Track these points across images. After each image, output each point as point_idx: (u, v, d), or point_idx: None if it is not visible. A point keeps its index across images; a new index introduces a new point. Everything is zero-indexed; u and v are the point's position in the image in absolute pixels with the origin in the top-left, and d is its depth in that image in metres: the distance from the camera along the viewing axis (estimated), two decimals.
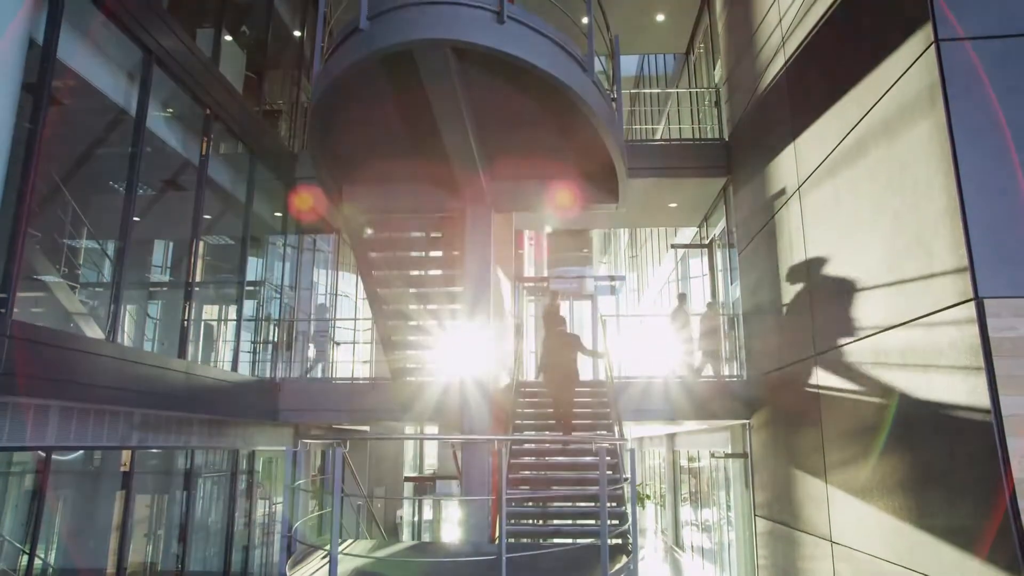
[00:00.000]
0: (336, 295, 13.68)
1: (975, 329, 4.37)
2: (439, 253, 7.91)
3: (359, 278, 14.62)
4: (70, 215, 7.58)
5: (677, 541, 18.55)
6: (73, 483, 7.39)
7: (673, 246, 13.68)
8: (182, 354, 8.11)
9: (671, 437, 18.89)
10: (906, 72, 5.11)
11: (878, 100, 5.55)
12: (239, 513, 10.20)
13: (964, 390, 4.49)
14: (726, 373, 10.51)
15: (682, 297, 11.24)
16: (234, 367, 9.57)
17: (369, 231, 7.72)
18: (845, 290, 6.33)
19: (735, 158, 10.26)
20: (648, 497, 22.30)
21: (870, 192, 5.79)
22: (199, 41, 8.70)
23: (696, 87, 13.10)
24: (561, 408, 7.87)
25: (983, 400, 4.30)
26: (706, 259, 12.52)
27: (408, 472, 16.93)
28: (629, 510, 5.86)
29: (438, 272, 8.16)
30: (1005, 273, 4.37)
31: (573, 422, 7.89)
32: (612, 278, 15.19)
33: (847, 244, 6.28)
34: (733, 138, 10.33)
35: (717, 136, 11.16)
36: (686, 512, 17.22)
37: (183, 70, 8.12)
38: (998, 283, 4.37)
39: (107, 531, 7.57)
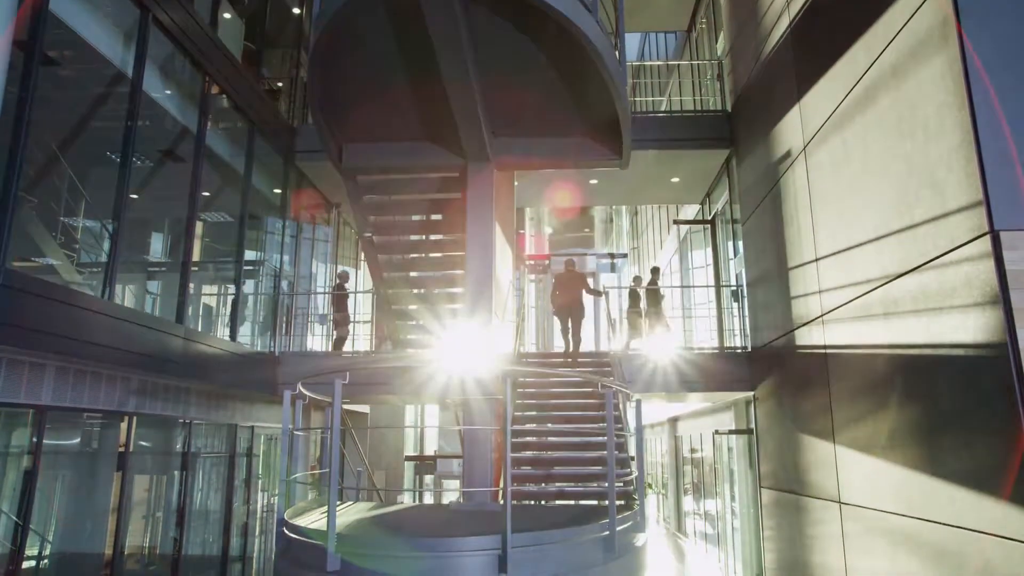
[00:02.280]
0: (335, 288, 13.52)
1: (991, 263, 4.27)
2: (439, 217, 7.81)
3: (359, 254, 14.53)
4: (65, 181, 7.46)
5: (680, 528, 18.45)
6: (69, 464, 7.24)
7: (675, 222, 13.58)
8: (180, 320, 8.01)
9: (673, 423, 18.78)
10: (919, 9, 5.01)
11: (888, 43, 5.45)
12: (238, 496, 10.08)
13: (979, 327, 4.39)
14: (732, 346, 10.41)
15: None
16: (232, 337, 9.46)
17: (370, 196, 7.62)
18: (853, 244, 6.22)
19: (738, 129, 10.16)
20: (650, 487, 22.21)
21: (879, 140, 5.69)
22: (197, 6, 8.59)
23: (698, 60, 13.00)
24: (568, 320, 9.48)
25: (999, 335, 4.20)
26: (710, 251, 12.42)
27: (408, 452, 16.81)
28: (634, 463, 5.75)
29: (439, 237, 8.05)
30: (1021, 205, 4.27)
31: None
32: (612, 255, 15.14)
33: (856, 198, 6.18)
34: (736, 109, 10.23)
35: (719, 108, 11.06)
36: (689, 499, 17.11)
37: (181, 32, 8.02)
38: (1014, 215, 4.27)
39: (104, 513, 7.44)
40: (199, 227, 8.88)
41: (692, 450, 16.37)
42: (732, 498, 11.80)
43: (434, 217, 7.80)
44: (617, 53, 6.04)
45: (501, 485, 5.18)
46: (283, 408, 4.58)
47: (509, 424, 3.98)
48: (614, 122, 6.57)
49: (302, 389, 4.87)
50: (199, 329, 8.99)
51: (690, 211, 13.81)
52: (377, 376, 9.18)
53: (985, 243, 4.32)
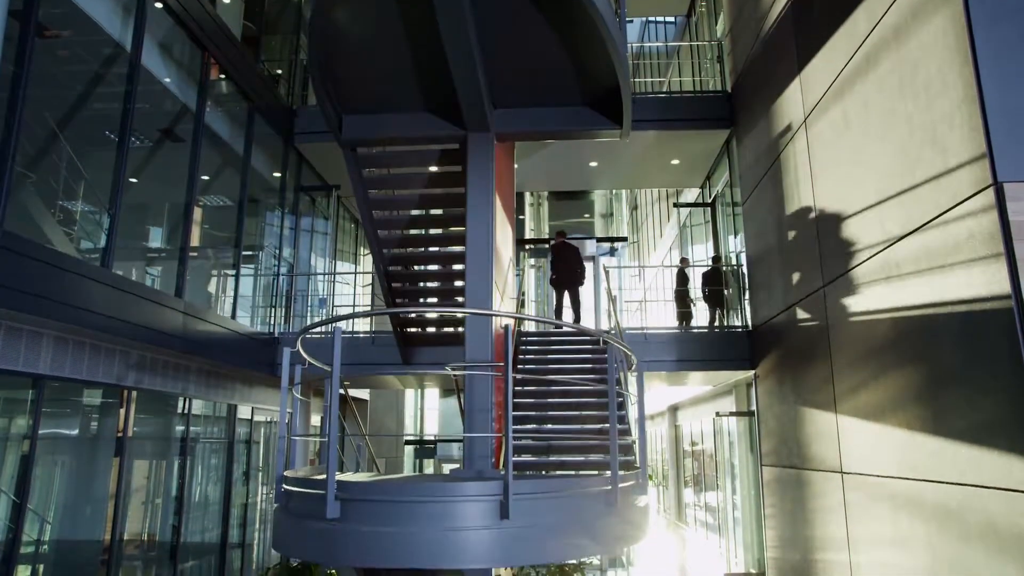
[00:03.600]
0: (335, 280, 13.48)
1: (994, 215, 4.24)
2: (439, 191, 7.77)
3: (359, 239, 14.49)
4: (63, 156, 7.42)
5: (680, 517, 18.43)
6: (68, 450, 7.20)
7: (676, 205, 13.58)
8: (179, 294, 7.98)
9: (673, 412, 18.77)
10: None
11: (890, 5, 5.43)
12: (236, 482, 10.05)
13: (982, 281, 4.36)
14: (733, 324, 10.39)
15: None
16: (233, 315, 9.44)
17: (369, 170, 7.59)
18: (855, 212, 6.20)
19: (738, 108, 10.14)
20: (651, 478, 22.23)
21: (880, 103, 5.67)
22: None
23: (699, 41, 12.98)
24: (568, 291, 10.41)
25: (1003, 287, 4.17)
26: (710, 245, 12.41)
27: (408, 435, 16.79)
28: (635, 430, 5.73)
29: (439, 212, 8.03)
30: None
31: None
32: (612, 239, 15.15)
33: (857, 164, 6.15)
34: (736, 88, 10.21)
35: (719, 89, 11.05)
36: (690, 488, 17.09)
37: (182, 9, 8.00)
38: (1017, 167, 4.24)
39: (103, 500, 7.40)
40: (199, 207, 8.85)
41: (693, 443, 16.36)
42: (733, 490, 11.77)
43: (434, 191, 7.77)
44: (618, 18, 6.01)
45: (503, 433, 5.16)
46: (282, 365, 4.55)
47: (510, 369, 3.95)
48: (614, 91, 6.53)
49: (300, 349, 4.83)
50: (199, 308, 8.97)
51: (689, 199, 13.78)
52: (378, 359, 9.17)
53: (988, 196, 4.29)
